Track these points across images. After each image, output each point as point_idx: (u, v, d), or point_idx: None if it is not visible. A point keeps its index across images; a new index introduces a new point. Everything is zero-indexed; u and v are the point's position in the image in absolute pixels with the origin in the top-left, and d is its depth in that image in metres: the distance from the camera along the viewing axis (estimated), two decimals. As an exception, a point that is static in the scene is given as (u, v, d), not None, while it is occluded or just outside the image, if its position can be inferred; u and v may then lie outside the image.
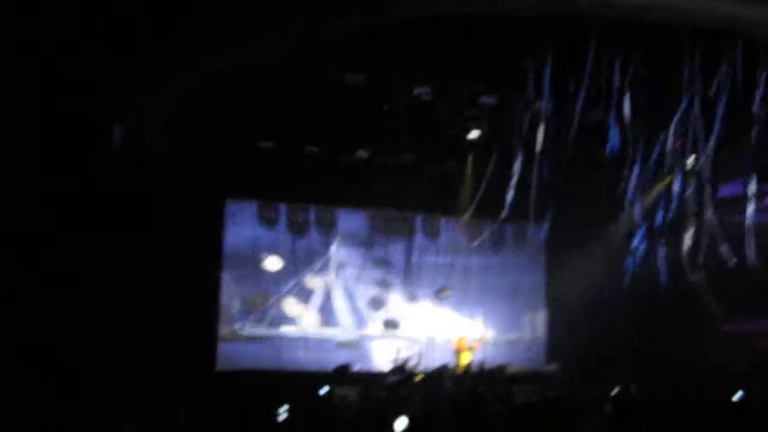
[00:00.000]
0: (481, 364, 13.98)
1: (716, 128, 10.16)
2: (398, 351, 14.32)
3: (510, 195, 11.93)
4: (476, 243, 15.85)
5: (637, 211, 13.11)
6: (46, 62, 9.15)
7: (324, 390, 10.94)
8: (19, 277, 9.82)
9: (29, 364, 9.02)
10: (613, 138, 11.09)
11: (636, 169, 11.20)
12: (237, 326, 14.71)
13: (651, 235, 12.59)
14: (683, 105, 10.31)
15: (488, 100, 12.58)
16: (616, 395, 10.31)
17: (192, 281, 13.05)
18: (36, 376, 8.75)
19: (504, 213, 11.68)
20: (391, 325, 15.81)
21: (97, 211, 11.13)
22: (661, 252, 12.39)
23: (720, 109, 10.17)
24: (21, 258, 9.85)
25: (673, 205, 12.20)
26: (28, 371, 8.86)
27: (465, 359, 14.04)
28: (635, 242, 13.07)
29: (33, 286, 9.95)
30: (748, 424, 6.52)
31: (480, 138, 13.45)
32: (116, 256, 11.51)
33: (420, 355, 14.17)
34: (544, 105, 11.33)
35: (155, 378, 10.55)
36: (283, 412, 7.55)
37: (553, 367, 15.03)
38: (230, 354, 14.35)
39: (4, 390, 8.16)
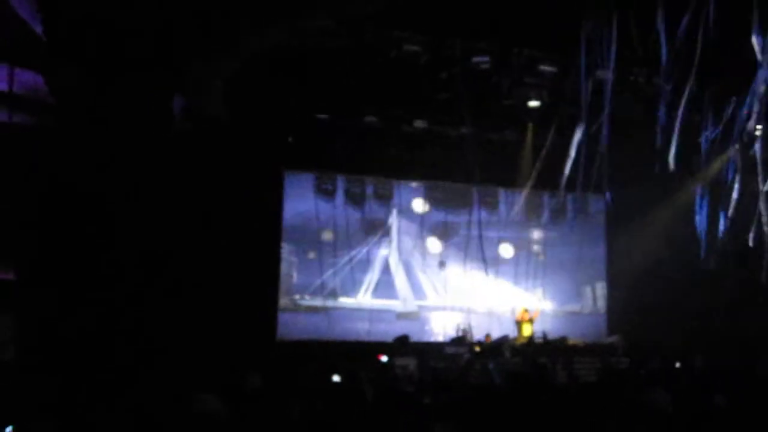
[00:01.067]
0: (544, 335, 13.91)
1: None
2: (457, 323, 14.33)
3: (569, 166, 11.74)
4: (536, 215, 15.78)
5: (702, 181, 12.83)
6: (103, 32, 9.22)
7: (385, 359, 10.98)
8: (77, 250, 9.96)
9: (104, 333, 9.21)
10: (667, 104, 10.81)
11: (702, 139, 10.90)
12: (296, 297, 14.84)
13: (715, 205, 12.32)
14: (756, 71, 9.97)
15: (548, 68, 12.33)
16: (681, 367, 10.14)
17: (252, 252, 13.14)
18: (110, 347, 8.93)
19: (562, 184, 11.49)
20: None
21: (156, 182, 11.23)
22: (726, 222, 12.11)
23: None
24: (78, 228, 9.98)
25: (739, 174, 11.91)
26: (103, 341, 9.05)
27: (527, 330, 13.97)
28: (699, 213, 12.81)
29: (92, 256, 10.08)
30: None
31: (540, 107, 13.23)
32: (177, 229, 11.63)
33: (475, 327, 14.21)
34: (606, 72, 11.10)
35: (221, 347, 10.67)
36: (337, 378, 7.58)
37: (613, 339, 14.84)
38: (290, 324, 14.50)
39: (79, 357, 8.34)
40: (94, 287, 9.86)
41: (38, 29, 8.96)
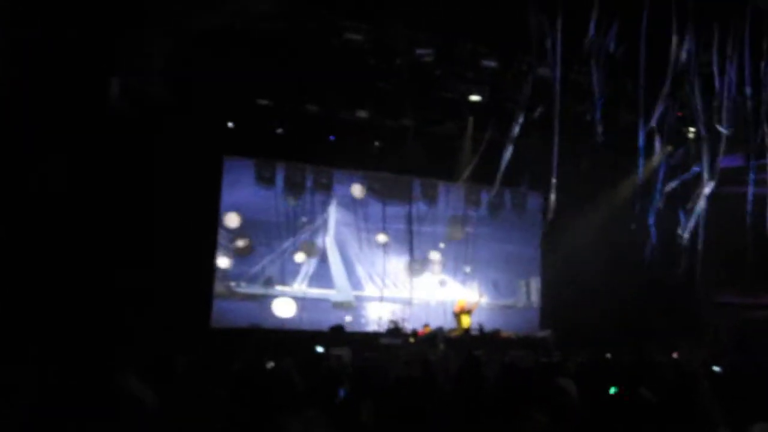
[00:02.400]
0: (480, 327, 14.09)
1: (723, 98, 10.07)
2: (393, 314, 14.40)
3: (506, 161, 11.85)
4: (473, 209, 15.91)
5: (635, 181, 13.07)
6: (36, 10, 9.00)
7: (321, 349, 10.97)
8: (14, 234, 9.74)
9: (29, 311, 9.02)
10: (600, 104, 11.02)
11: (638, 140, 11.08)
12: (232, 284, 14.71)
13: (647, 205, 12.57)
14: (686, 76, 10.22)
15: (490, 63, 12.42)
16: (608, 360, 10.34)
17: (188, 238, 12.98)
18: (34, 324, 8.76)
19: (498, 179, 11.60)
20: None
21: (93, 165, 11.02)
22: (657, 222, 12.37)
23: (725, 80, 10.10)
24: (19, 213, 9.76)
25: (671, 175, 12.19)
26: (28, 319, 8.87)
27: (465, 322, 14.09)
28: (634, 210, 13.07)
29: (29, 241, 9.88)
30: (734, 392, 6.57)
31: (480, 102, 13.33)
32: (114, 211, 11.44)
33: (412, 319, 14.33)
34: (551, 70, 11.23)
35: (153, 331, 10.53)
36: (270, 365, 7.55)
37: (545, 333, 15.09)
38: (225, 311, 14.36)
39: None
40: (30, 268, 9.66)
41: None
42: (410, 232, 15.88)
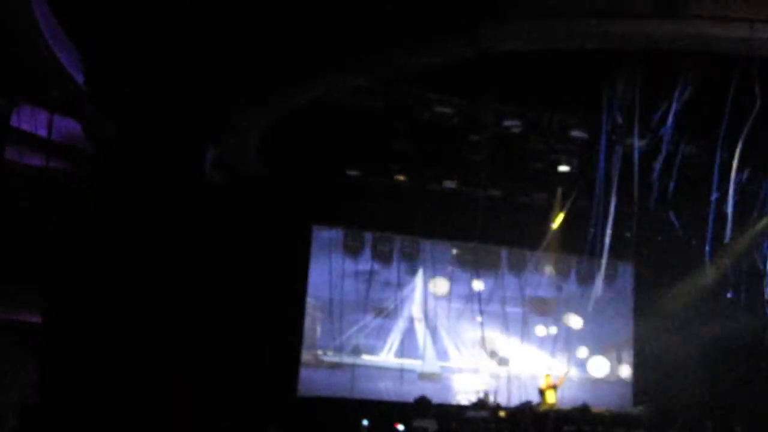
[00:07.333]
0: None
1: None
2: (480, 386, 14.15)
3: (595, 231, 11.72)
4: (563, 279, 15.66)
5: (735, 252, 12.70)
6: (142, 84, 9.42)
7: (401, 428, 10.86)
8: (104, 297, 10.00)
9: (119, 381, 9.21)
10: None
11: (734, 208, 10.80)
12: (319, 352, 14.76)
13: (749, 277, 12.15)
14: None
15: (579, 134, 12.36)
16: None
17: (277, 306, 13.13)
18: (124, 394, 8.93)
19: (589, 249, 11.45)
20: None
21: (185, 232, 11.31)
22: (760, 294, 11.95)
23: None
24: (107, 275, 10.03)
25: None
26: (118, 388, 9.05)
27: (551, 397, 13.67)
28: (732, 284, 12.67)
29: (117, 306, 10.13)
30: None
31: (569, 172, 13.24)
32: (204, 278, 11.67)
33: (499, 391, 14.03)
34: (635, 140, 11.16)
35: (243, 399, 10.62)
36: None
37: (640, 409, 14.54)
38: (312, 380, 14.38)
39: (96, 407, 8.33)
40: (118, 334, 9.91)
41: (79, 79, 9.18)
42: (498, 303, 15.69)
